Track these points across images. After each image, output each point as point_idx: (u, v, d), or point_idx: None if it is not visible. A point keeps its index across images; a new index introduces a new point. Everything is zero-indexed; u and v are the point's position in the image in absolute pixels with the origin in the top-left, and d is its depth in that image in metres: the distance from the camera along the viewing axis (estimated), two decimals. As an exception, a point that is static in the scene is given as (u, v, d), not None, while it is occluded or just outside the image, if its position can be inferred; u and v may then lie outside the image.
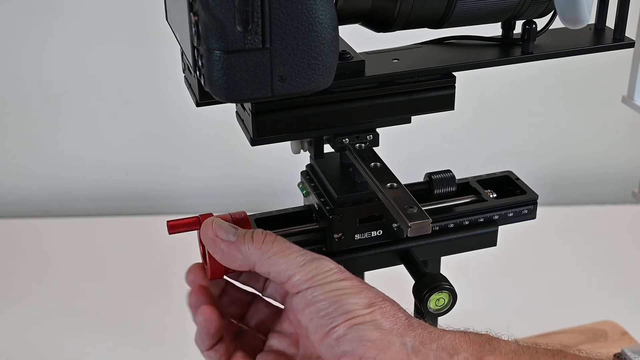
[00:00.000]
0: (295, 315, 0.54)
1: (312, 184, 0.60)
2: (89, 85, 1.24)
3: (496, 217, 0.61)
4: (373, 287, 0.50)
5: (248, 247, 0.50)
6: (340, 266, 0.50)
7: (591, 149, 1.34)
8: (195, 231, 0.55)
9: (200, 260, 0.58)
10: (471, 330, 0.50)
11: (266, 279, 0.56)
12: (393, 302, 0.49)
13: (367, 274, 0.61)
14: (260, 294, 0.57)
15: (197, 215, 0.55)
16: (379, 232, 0.58)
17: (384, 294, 0.50)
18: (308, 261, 0.49)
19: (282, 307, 0.57)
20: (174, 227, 0.54)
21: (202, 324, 0.52)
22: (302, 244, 0.56)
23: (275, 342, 0.55)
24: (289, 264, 0.49)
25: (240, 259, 0.50)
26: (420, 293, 0.56)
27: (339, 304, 0.47)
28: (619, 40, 0.59)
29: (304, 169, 0.62)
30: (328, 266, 0.49)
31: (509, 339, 0.50)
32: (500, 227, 0.62)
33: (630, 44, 0.60)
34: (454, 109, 0.57)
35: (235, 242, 0.51)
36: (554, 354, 0.48)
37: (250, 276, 0.56)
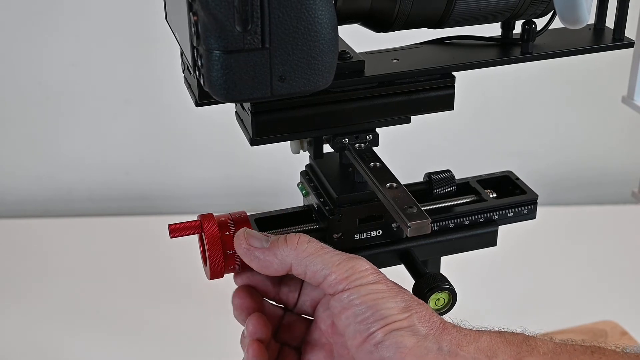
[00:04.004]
0: (329, 321, 0.54)
1: (312, 184, 0.60)
2: (89, 85, 1.24)
3: (496, 217, 0.61)
4: (407, 290, 0.50)
5: (283, 250, 0.50)
6: (375, 267, 0.50)
7: (591, 149, 1.34)
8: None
9: (200, 263, 0.58)
10: (505, 329, 0.50)
11: (298, 294, 0.56)
12: (427, 306, 0.50)
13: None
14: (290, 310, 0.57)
15: (198, 218, 0.55)
16: (379, 232, 0.58)
17: (417, 297, 0.50)
18: (344, 260, 0.49)
19: (312, 318, 0.57)
20: (176, 231, 0.54)
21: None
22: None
23: (310, 356, 0.55)
24: (325, 263, 0.49)
25: (276, 262, 0.51)
26: (420, 293, 0.56)
27: (376, 309, 0.47)
28: (619, 40, 0.59)
29: (304, 169, 0.62)
30: (364, 266, 0.49)
31: (545, 337, 0.50)
32: (500, 227, 0.62)
33: (630, 44, 0.60)
34: (453, 109, 0.57)
35: (270, 247, 0.51)
36: (592, 351, 0.48)
37: (279, 290, 0.56)
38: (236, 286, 0.56)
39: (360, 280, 0.49)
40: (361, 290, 0.48)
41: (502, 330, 0.50)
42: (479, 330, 0.49)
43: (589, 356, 0.48)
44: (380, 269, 0.51)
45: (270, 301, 0.57)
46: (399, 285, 0.50)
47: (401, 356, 0.46)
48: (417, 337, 0.47)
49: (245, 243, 0.52)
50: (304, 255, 0.50)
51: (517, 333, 0.49)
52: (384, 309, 0.48)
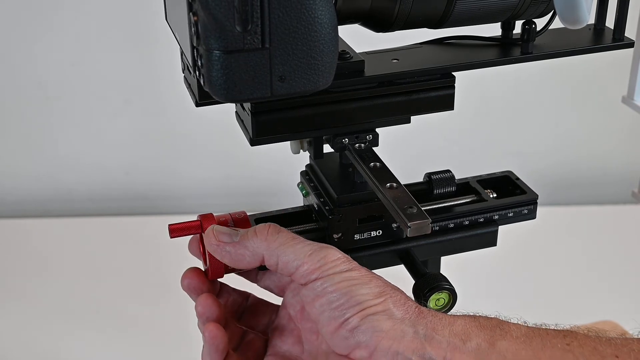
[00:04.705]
0: (298, 307, 0.54)
1: (312, 184, 0.60)
2: (89, 85, 1.24)
3: (496, 217, 0.61)
4: (380, 276, 0.50)
5: (254, 242, 0.50)
6: (347, 255, 0.50)
7: (591, 149, 1.34)
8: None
9: (199, 262, 0.58)
10: (480, 314, 0.50)
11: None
12: (401, 291, 0.50)
13: (366, 274, 0.61)
14: (256, 284, 0.57)
15: (198, 218, 0.55)
16: (379, 232, 0.58)
17: (391, 283, 0.50)
18: (315, 250, 0.49)
19: (278, 303, 0.57)
20: (176, 231, 0.54)
21: (210, 342, 0.51)
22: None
23: (278, 341, 0.55)
24: (296, 254, 0.49)
25: (248, 255, 0.51)
26: (420, 293, 0.56)
27: (350, 295, 0.48)
28: (619, 40, 0.59)
29: (304, 169, 0.62)
30: (335, 255, 0.50)
31: (518, 322, 0.50)
32: (500, 227, 0.62)
33: (630, 44, 0.60)
34: (453, 109, 0.57)
35: (240, 241, 0.51)
36: (564, 335, 0.48)
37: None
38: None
39: (333, 269, 0.49)
40: (335, 278, 0.48)
41: (477, 314, 0.50)
42: (453, 315, 0.49)
43: (560, 339, 0.48)
44: (380, 269, 0.51)
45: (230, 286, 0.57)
46: (372, 272, 0.50)
47: (377, 340, 0.46)
48: (393, 320, 0.47)
49: (215, 239, 0.51)
50: (275, 245, 0.50)
51: (491, 317, 0.50)
52: (358, 295, 0.48)
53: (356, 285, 0.48)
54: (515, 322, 0.50)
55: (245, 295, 0.58)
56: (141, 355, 0.95)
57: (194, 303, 0.53)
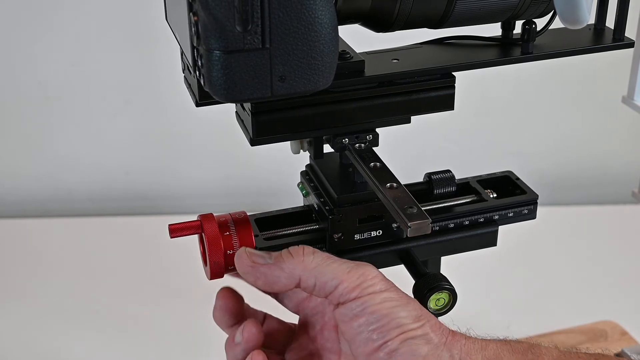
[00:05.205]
0: (319, 328, 0.53)
1: (312, 184, 0.60)
2: (89, 85, 1.24)
3: (496, 217, 0.61)
4: (413, 298, 0.50)
5: (290, 263, 0.50)
6: (382, 273, 0.50)
7: (591, 149, 1.34)
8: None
9: (200, 263, 0.58)
10: (510, 338, 0.50)
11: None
12: (434, 315, 0.50)
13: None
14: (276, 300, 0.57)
15: (198, 218, 0.55)
16: (379, 232, 0.58)
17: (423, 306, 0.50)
18: (353, 268, 0.49)
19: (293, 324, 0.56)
20: (176, 231, 0.54)
21: None
22: (302, 244, 0.56)
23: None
24: (334, 273, 0.49)
25: (284, 276, 0.50)
26: (421, 293, 0.56)
27: (390, 317, 0.48)
28: (619, 41, 0.59)
29: (304, 169, 0.62)
30: (373, 272, 0.49)
31: (549, 345, 0.50)
32: (500, 227, 0.62)
33: (630, 44, 0.60)
34: (453, 109, 0.57)
35: (275, 262, 0.50)
36: (596, 358, 0.49)
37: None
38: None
39: (372, 287, 0.48)
40: (375, 298, 0.48)
41: (507, 338, 0.50)
42: (485, 339, 0.49)
43: None
44: (380, 269, 0.51)
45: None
46: (406, 293, 0.50)
47: None
48: (430, 345, 0.47)
49: (249, 260, 0.51)
50: (312, 265, 0.49)
51: (521, 341, 0.50)
52: (398, 317, 0.48)
53: (396, 308, 0.48)
54: (546, 346, 0.50)
55: (262, 314, 0.58)
56: (141, 355, 0.95)
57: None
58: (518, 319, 0.99)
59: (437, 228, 0.60)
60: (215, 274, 0.54)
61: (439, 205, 0.61)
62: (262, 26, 0.43)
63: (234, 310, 0.54)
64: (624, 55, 0.66)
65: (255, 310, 0.57)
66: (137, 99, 1.25)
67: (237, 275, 0.57)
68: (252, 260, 0.51)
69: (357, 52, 0.55)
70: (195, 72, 0.46)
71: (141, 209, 1.32)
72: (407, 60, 0.56)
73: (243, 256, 0.51)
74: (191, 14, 0.43)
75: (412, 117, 0.57)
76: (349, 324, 0.48)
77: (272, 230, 0.58)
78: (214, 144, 1.28)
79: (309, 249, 0.51)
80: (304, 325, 0.55)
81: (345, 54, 0.53)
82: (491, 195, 0.62)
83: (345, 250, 0.58)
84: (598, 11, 0.60)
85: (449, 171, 0.61)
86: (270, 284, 0.51)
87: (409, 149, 1.15)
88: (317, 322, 0.54)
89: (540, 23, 0.58)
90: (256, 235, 0.56)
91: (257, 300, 0.57)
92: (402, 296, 0.49)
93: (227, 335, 0.55)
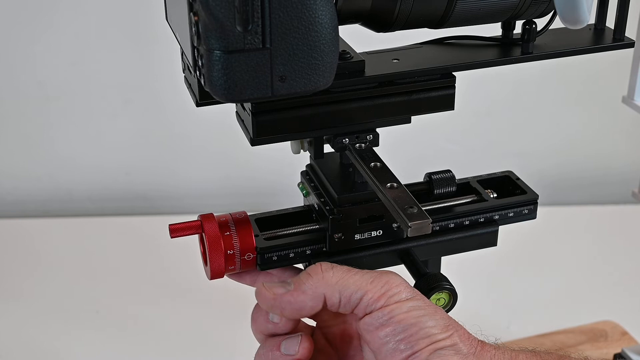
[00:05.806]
0: (338, 336, 0.53)
1: (312, 184, 0.60)
2: (89, 85, 1.24)
3: (496, 217, 0.61)
4: (439, 307, 0.50)
5: (310, 283, 0.49)
6: (405, 280, 0.49)
7: (591, 149, 1.34)
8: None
9: (200, 263, 0.58)
10: (539, 349, 0.49)
11: None
12: (462, 324, 0.49)
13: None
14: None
15: (198, 218, 0.55)
16: (379, 232, 0.58)
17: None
18: (376, 277, 0.48)
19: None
20: (176, 231, 0.54)
21: None
22: (302, 244, 0.56)
23: None
24: (357, 284, 0.48)
25: (309, 299, 0.49)
26: (421, 293, 0.56)
27: (419, 327, 0.47)
28: (619, 40, 0.59)
29: (304, 169, 0.62)
30: (398, 280, 0.49)
31: (580, 357, 0.49)
32: (500, 227, 0.62)
33: (630, 44, 0.60)
34: (454, 109, 0.57)
35: (296, 287, 0.49)
36: None
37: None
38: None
39: (397, 296, 0.48)
40: (402, 307, 0.47)
41: (536, 349, 0.49)
42: (514, 350, 0.49)
43: None
44: (380, 270, 0.51)
45: None
46: (430, 301, 0.50)
47: None
48: (460, 355, 0.46)
49: (270, 293, 0.49)
50: (334, 280, 0.48)
51: (550, 352, 0.49)
52: (427, 327, 0.47)
53: (424, 317, 0.47)
54: (576, 357, 0.49)
55: (311, 329, 0.57)
56: (141, 355, 0.95)
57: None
58: (518, 319, 0.99)
59: (438, 228, 0.60)
60: (215, 274, 0.54)
61: (439, 205, 0.61)
62: (263, 26, 0.43)
63: (296, 322, 0.53)
64: (624, 55, 0.66)
65: (306, 324, 0.56)
66: (137, 99, 1.25)
67: (237, 275, 0.57)
68: (273, 293, 0.49)
69: (357, 52, 0.55)
70: (195, 72, 0.46)
71: (141, 209, 1.32)
72: (407, 60, 0.56)
73: (262, 291, 0.50)
74: (191, 13, 0.43)
75: (412, 117, 0.57)
76: (375, 333, 0.47)
77: (273, 230, 0.58)
78: (214, 144, 1.28)
79: (326, 264, 0.50)
80: (323, 334, 0.54)
81: (345, 54, 0.53)
82: (491, 195, 0.62)
83: (346, 250, 0.58)
84: (598, 11, 0.60)
85: (449, 171, 0.60)
86: (298, 311, 0.49)
87: (409, 149, 1.15)
88: (336, 331, 0.54)
89: (540, 23, 0.58)
90: (256, 235, 0.56)
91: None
92: (428, 304, 0.48)
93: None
